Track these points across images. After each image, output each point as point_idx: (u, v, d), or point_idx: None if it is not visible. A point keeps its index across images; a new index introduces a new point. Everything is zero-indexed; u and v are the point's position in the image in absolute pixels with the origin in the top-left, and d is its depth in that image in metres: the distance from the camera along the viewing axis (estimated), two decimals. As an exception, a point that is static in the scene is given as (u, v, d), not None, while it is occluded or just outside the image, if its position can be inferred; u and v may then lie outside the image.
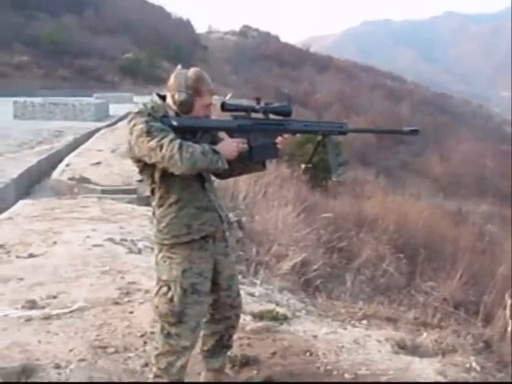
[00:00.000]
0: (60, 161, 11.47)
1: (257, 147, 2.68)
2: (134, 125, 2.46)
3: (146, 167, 2.56)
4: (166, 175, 2.50)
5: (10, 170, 9.46)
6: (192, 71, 2.57)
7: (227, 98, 2.67)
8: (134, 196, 8.46)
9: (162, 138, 2.38)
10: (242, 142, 2.64)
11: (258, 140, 2.69)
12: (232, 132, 2.66)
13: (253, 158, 2.70)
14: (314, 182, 15.05)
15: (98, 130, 17.27)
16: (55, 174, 10.02)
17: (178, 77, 2.56)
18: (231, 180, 10.36)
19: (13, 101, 20.98)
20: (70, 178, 9.36)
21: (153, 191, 2.65)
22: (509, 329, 4.85)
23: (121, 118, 21.78)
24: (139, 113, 2.50)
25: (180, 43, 56.59)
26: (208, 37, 74.50)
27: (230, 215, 7.67)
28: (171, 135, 2.41)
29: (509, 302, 4.95)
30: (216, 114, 2.79)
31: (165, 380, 2.65)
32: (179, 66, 2.64)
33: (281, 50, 70.54)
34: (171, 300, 2.58)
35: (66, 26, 45.25)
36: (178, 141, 2.39)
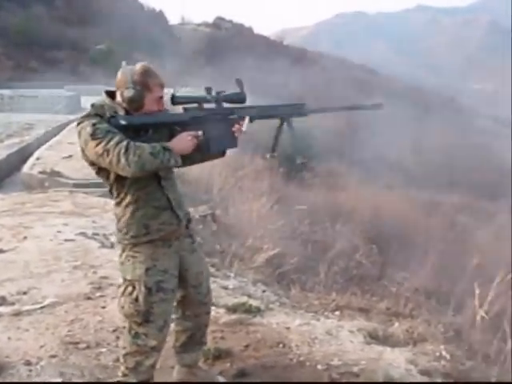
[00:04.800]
0: (30, 154, 11.28)
1: (213, 138, 2.63)
2: (82, 128, 2.41)
3: (101, 169, 2.51)
4: (121, 176, 2.45)
5: (-21, 164, 9.27)
6: (138, 66, 2.51)
7: (176, 90, 2.60)
8: (107, 189, 8.35)
9: (108, 142, 2.33)
10: (197, 135, 2.58)
11: (213, 130, 2.63)
12: (185, 125, 2.59)
13: (210, 150, 2.66)
14: (289, 174, 15.07)
15: (69, 122, 17.03)
16: (25, 168, 9.86)
17: (124, 73, 2.49)
18: (205, 173, 10.33)
19: (-19, 93, 20.56)
20: (40, 172, 9.22)
21: (110, 191, 2.62)
22: (478, 317, 4.95)
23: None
24: (87, 116, 2.44)
25: (153, 35, 55.96)
26: (181, 28, 73.75)
27: (204, 208, 7.66)
28: (117, 137, 2.35)
29: (477, 291, 5.05)
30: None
31: (133, 380, 2.63)
32: (124, 63, 2.57)
33: (254, 42, 70.28)
34: (136, 299, 2.55)
35: (35, 16, 44.34)
36: (124, 143, 2.33)
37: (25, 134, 14.12)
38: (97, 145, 2.34)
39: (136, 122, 2.49)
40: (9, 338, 3.50)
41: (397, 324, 4.40)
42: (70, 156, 10.57)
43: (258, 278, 5.79)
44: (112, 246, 5.63)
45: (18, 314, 3.87)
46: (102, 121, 2.40)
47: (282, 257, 7.39)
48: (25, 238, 5.72)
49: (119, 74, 2.51)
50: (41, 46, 42.38)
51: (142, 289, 2.55)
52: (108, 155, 2.33)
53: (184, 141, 2.53)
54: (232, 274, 5.50)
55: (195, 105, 2.64)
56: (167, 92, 2.56)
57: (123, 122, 2.43)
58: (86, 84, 32.79)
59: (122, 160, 2.31)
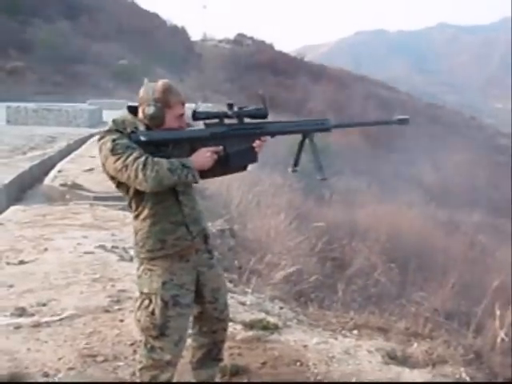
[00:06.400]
0: (52, 167, 11.41)
1: (233, 153, 2.64)
2: (103, 143, 2.45)
3: (120, 183, 2.55)
4: (140, 191, 2.49)
5: (2, 176, 9.40)
6: (159, 83, 2.55)
7: (198, 105, 2.62)
8: (127, 203, 8.41)
9: (127, 158, 2.37)
10: (217, 150, 2.60)
11: (234, 146, 2.64)
12: (205, 141, 2.60)
13: (230, 165, 2.67)
14: (308, 190, 15.03)
15: (91, 136, 17.21)
16: (47, 180, 9.97)
17: (146, 90, 2.53)
18: (224, 187, 10.37)
19: (6, 106, 20.87)
20: (62, 185, 9.31)
21: (129, 205, 2.64)
22: (498, 339, 4.87)
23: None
24: (108, 131, 2.48)
25: (175, 50, 56.63)
26: (203, 44, 74.51)
27: (221, 223, 7.67)
28: (136, 153, 2.39)
29: (498, 312, 4.97)
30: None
31: None
32: (146, 80, 2.61)
33: (275, 59, 70.57)
34: (153, 313, 2.56)
35: (60, 31, 45.19)
36: (143, 159, 2.37)
37: (47, 146, 14.31)
38: (116, 160, 2.39)
39: (156, 138, 2.52)
40: (28, 350, 3.53)
41: (416, 344, 4.34)
42: (91, 169, 10.68)
43: (276, 294, 5.76)
44: (131, 259, 5.65)
45: (37, 325, 3.90)
46: (123, 136, 2.45)
47: (300, 274, 7.36)
48: (45, 249, 5.77)
49: (141, 91, 2.55)
50: (65, 61, 43.07)
51: (159, 302, 2.55)
52: (126, 170, 2.37)
53: (203, 157, 2.55)
54: (249, 290, 5.48)
55: (216, 120, 2.65)
56: (188, 107, 2.59)
57: (143, 138, 2.46)
58: (109, 98, 33.25)
59: (140, 175, 2.35)
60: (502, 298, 6.53)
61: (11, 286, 4.67)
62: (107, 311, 4.23)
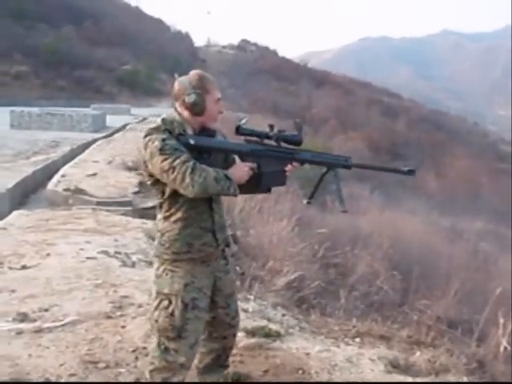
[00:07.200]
0: (56, 171, 11.43)
1: (267, 173, 2.70)
2: (150, 140, 2.45)
3: (157, 182, 2.55)
4: (177, 193, 2.49)
5: (5, 180, 9.41)
6: (193, 73, 2.61)
7: (242, 121, 2.68)
8: (129, 208, 8.43)
9: (175, 160, 2.37)
10: (253, 167, 2.65)
11: (268, 166, 2.70)
12: (245, 156, 2.67)
13: (261, 184, 2.71)
14: (310, 197, 14.98)
15: (94, 141, 17.24)
16: (50, 185, 9.98)
17: (182, 82, 2.59)
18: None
19: (10, 110, 20.93)
20: (65, 189, 9.32)
21: (161, 205, 2.63)
22: (501, 348, 4.85)
23: (118, 130, 21.79)
24: (156, 128, 2.48)
25: (178, 56, 56.84)
26: (206, 50, 74.83)
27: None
28: (184, 156, 2.39)
29: (501, 321, 4.95)
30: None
31: None
32: (176, 75, 2.66)
33: (279, 65, 70.86)
34: (172, 314, 2.55)
35: (65, 37, 45.41)
36: (191, 163, 2.38)
37: (51, 151, 14.33)
38: (163, 160, 2.39)
39: (203, 144, 2.55)
40: (29, 355, 3.52)
41: (418, 353, 4.32)
42: (95, 174, 10.69)
43: (278, 301, 5.74)
44: (133, 265, 5.65)
45: (39, 331, 3.89)
46: (171, 137, 2.46)
47: (302, 280, 7.33)
48: (48, 254, 5.76)
49: (176, 85, 2.60)
50: (69, 66, 43.27)
51: (179, 304, 2.55)
52: (173, 172, 2.37)
53: (241, 171, 2.60)
54: (252, 297, 5.46)
55: (256, 138, 2.72)
56: None
57: (192, 142, 2.49)
58: (112, 103, 33.36)
59: (187, 179, 2.36)
60: (505, 306, 6.50)
61: (13, 291, 4.65)
62: (109, 317, 4.21)
